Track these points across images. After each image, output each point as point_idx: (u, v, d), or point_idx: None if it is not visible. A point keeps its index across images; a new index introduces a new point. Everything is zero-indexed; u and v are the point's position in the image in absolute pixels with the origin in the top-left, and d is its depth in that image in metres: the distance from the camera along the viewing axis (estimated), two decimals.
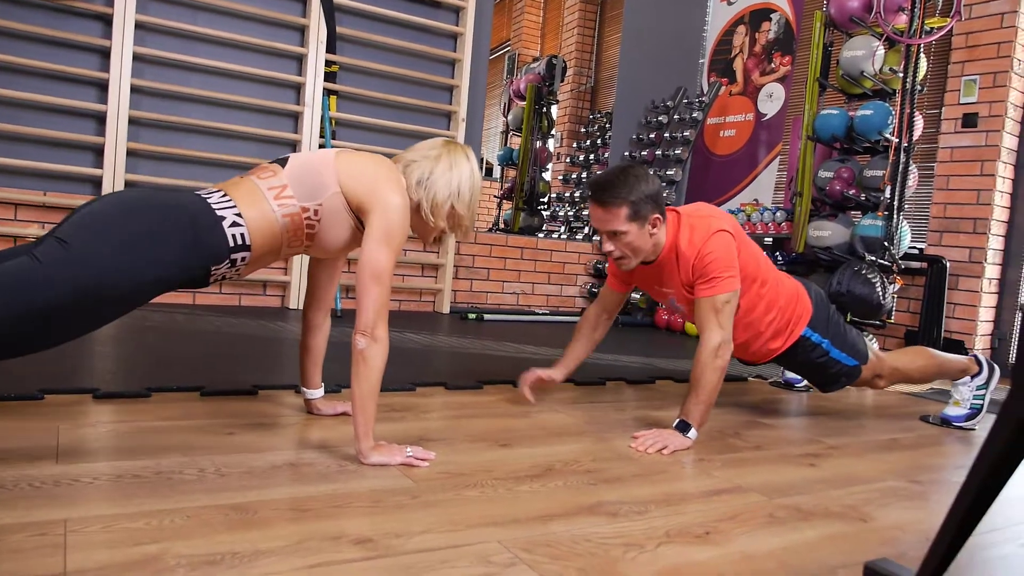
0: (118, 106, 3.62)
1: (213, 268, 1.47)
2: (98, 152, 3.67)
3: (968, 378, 2.43)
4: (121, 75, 3.61)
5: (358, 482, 1.42)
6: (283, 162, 1.60)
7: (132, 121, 3.70)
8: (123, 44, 3.60)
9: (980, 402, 2.42)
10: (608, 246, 2.00)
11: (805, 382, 2.91)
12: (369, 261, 1.51)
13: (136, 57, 3.67)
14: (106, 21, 3.63)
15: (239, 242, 1.47)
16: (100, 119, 3.66)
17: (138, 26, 3.67)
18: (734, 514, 1.42)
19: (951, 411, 2.44)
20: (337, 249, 1.67)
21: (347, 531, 1.18)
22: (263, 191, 1.53)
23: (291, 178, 1.55)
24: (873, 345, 2.41)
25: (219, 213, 1.46)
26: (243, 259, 1.50)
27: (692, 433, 1.88)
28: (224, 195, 1.50)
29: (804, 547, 1.30)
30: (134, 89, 3.69)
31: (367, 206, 1.55)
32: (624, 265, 2.05)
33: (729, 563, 1.20)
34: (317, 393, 1.89)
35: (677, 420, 1.91)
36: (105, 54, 3.63)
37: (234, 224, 1.46)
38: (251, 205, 1.50)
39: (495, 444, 1.77)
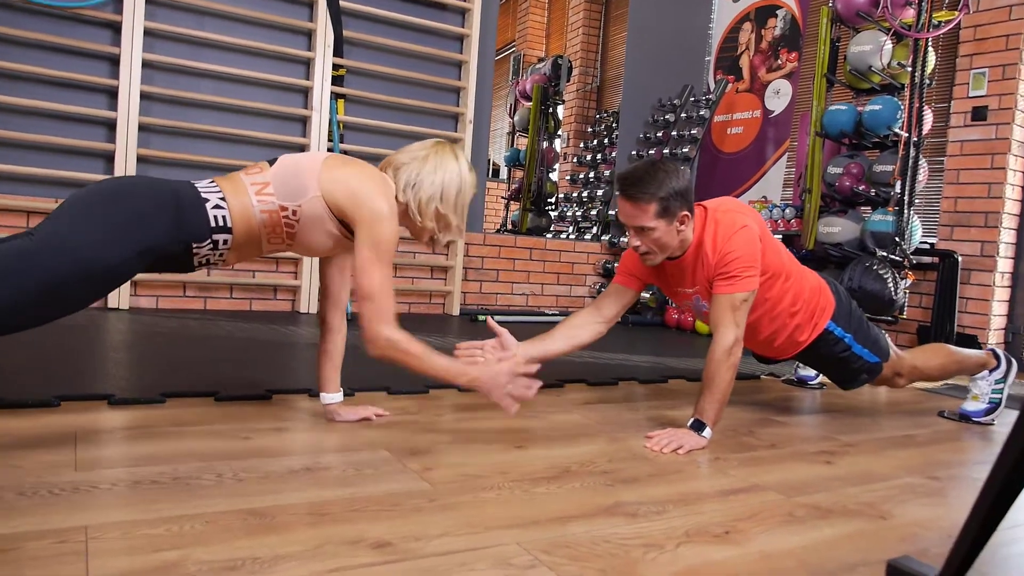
0: (128, 113, 3.64)
1: (195, 245, 1.52)
2: (109, 159, 3.68)
3: (986, 372, 2.41)
4: (131, 82, 3.63)
5: (375, 485, 1.42)
6: (273, 162, 1.65)
7: (142, 128, 3.72)
8: (132, 51, 3.62)
9: (999, 396, 2.40)
10: (635, 241, 1.99)
11: (818, 379, 2.89)
12: (360, 277, 1.56)
13: (145, 64, 3.69)
14: (115, 28, 3.65)
15: (220, 223, 1.53)
16: (110, 126, 3.68)
17: (147, 33, 3.68)
18: (752, 513, 1.41)
19: (969, 406, 2.42)
20: (321, 251, 1.72)
21: (365, 535, 1.18)
22: (246, 185, 1.59)
23: (275, 177, 1.61)
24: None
25: (203, 195, 1.53)
26: (225, 242, 1.55)
27: (707, 432, 1.88)
28: (212, 182, 1.58)
29: (824, 546, 1.29)
30: (143, 96, 3.71)
31: (351, 214, 1.59)
32: (649, 260, 2.04)
33: (749, 562, 1.19)
34: (336, 397, 1.89)
35: (692, 419, 1.90)
36: (114, 61, 3.65)
37: (216, 207, 1.53)
38: (234, 195, 1.56)
39: (510, 446, 1.77)
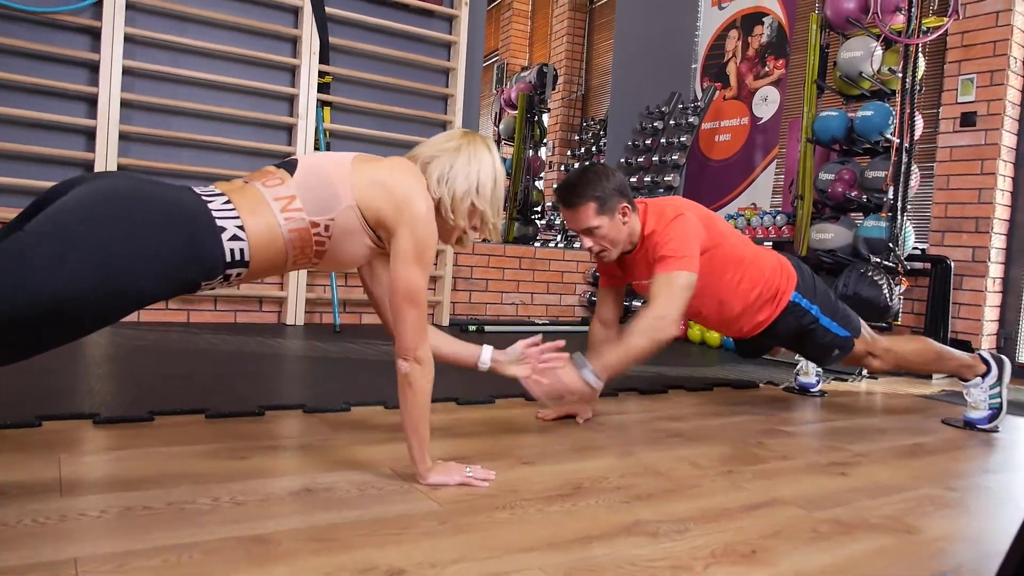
0: (108, 121, 3.53)
1: (204, 283, 1.34)
2: (88, 167, 3.57)
3: (979, 379, 2.39)
4: (111, 89, 3.53)
5: (382, 507, 1.35)
6: (290, 167, 1.44)
7: (122, 136, 3.61)
8: (112, 58, 3.52)
9: (998, 400, 2.38)
10: (587, 243, 2.07)
11: (819, 387, 2.86)
12: (401, 281, 1.42)
13: (126, 71, 3.59)
14: (94, 35, 3.55)
15: (236, 258, 1.33)
16: (90, 134, 3.57)
17: (127, 39, 3.58)
18: (776, 530, 1.36)
19: (972, 415, 2.39)
20: (351, 265, 1.56)
21: (377, 562, 1.11)
22: (269, 201, 1.36)
23: (300, 188, 1.41)
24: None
25: (219, 223, 1.30)
26: (238, 274, 1.37)
27: (592, 379, 1.83)
28: (227, 201, 1.33)
29: (856, 563, 1.23)
30: (124, 103, 3.60)
31: (391, 222, 1.43)
32: (606, 257, 2.12)
33: None
34: (488, 352, 1.80)
35: (585, 359, 1.85)
36: (94, 68, 3.55)
37: (234, 238, 1.31)
38: (255, 215, 1.34)
39: (517, 462, 1.70)
